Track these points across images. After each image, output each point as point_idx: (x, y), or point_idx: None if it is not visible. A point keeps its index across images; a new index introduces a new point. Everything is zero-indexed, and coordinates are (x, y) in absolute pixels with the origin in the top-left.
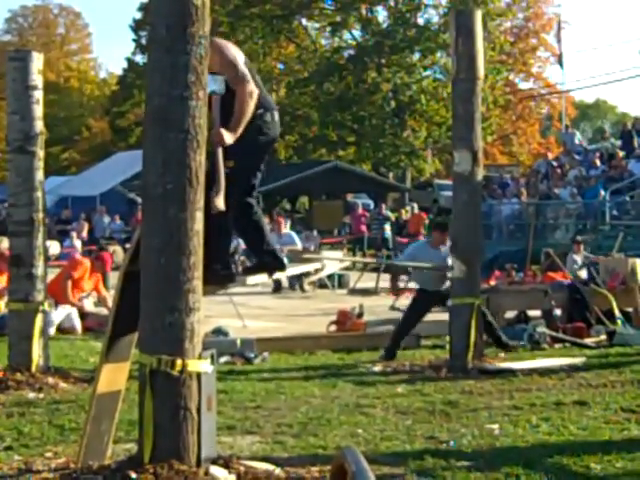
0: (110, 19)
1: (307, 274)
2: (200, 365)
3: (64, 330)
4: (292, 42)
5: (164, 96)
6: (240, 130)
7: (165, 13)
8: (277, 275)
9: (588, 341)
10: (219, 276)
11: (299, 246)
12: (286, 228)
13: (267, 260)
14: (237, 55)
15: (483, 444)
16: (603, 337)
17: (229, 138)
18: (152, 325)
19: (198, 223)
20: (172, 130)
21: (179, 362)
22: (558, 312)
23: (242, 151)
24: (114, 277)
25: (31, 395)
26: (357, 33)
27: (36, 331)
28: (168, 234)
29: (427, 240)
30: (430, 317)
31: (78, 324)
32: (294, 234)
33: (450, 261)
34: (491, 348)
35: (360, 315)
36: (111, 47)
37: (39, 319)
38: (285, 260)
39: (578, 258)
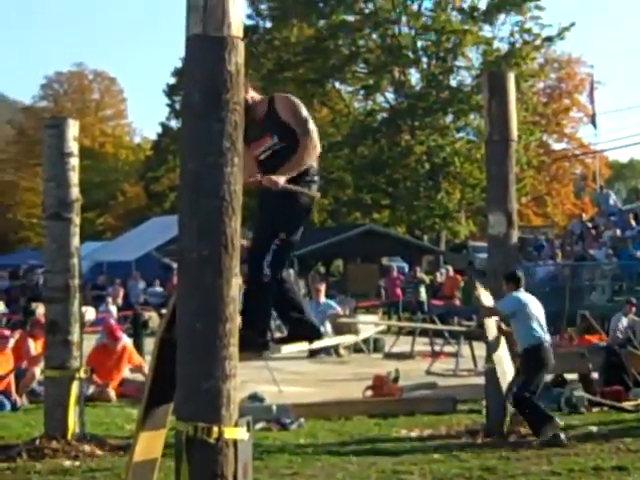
0: (144, 84)
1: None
2: (237, 432)
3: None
4: (325, 106)
5: (199, 163)
6: (291, 174)
7: (199, 80)
8: (315, 344)
9: (626, 404)
10: (254, 344)
11: (339, 311)
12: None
13: (304, 330)
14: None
15: None
16: None
17: (282, 180)
18: (188, 392)
19: (234, 289)
20: (207, 196)
21: (215, 429)
22: (595, 375)
23: (291, 223)
24: (149, 343)
25: (67, 463)
26: (390, 96)
27: (72, 398)
28: (204, 300)
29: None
30: (466, 381)
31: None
32: (333, 302)
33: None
34: None
35: (396, 380)
36: (146, 112)
37: (75, 386)
38: (322, 329)
39: (625, 319)
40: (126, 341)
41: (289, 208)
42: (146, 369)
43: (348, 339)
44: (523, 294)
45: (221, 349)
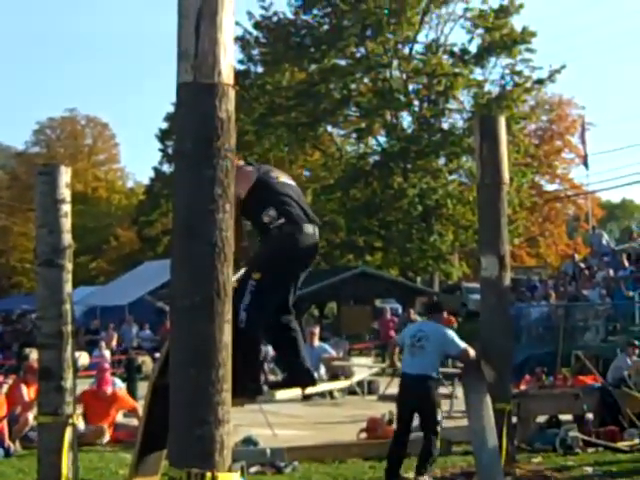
0: (137, 129)
1: (336, 381)
2: (230, 478)
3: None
4: (318, 149)
5: (191, 209)
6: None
7: (190, 127)
8: (308, 391)
9: (621, 445)
10: (247, 389)
11: (332, 354)
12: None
13: (299, 376)
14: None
15: None
16: (636, 441)
17: None
18: (181, 437)
19: (227, 335)
20: (199, 243)
21: (209, 475)
22: (590, 416)
23: (268, 263)
24: (143, 387)
25: None
26: (382, 139)
27: (65, 444)
28: (197, 346)
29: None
30: (460, 423)
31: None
32: (327, 346)
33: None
34: (524, 453)
35: (390, 422)
36: (138, 157)
37: (68, 432)
38: (315, 374)
39: (629, 360)
40: (119, 386)
41: (265, 249)
42: (140, 413)
43: (341, 384)
44: None
45: (214, 395)
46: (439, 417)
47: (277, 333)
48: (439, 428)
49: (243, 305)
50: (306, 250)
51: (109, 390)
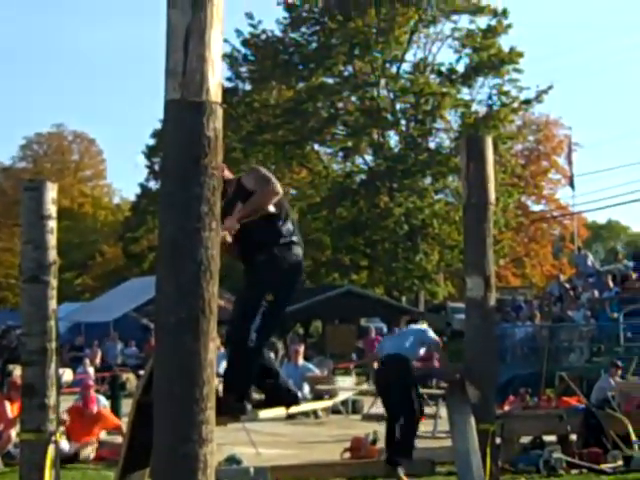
0: (124, 145)
1: (320, 400)
2: None
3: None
4: (304, 167)
5: (177, 227)
6: (244, 213)
7: (177, 144)
8: (292, 410)
9: (604, 467)
10: (231, 408)
11: (317, 373)
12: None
13: (280, 397)
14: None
15: None
16: (620, 462)
17: (232, 221)
18: (165, 456)
19: (211, 353)
20: (185, 261)
21: None
22: (574, 437)
23: (280, 285)
24: (127, 405)
25: None
26: (369, 158)
27: (48, 462)
28: (181, 364)
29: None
30: (444, 443)
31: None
32: (311, 365)
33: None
34: (507, 475)
35: (374, 442)
36: (125, 173)
37: (51, 449)
38: (299, 394)
39: (612, 381)
40: (103, 404)
41: (275, 269)
42: (124, 431)
43: (325, 404)
44: None
45: (198, 413)
46: (415, 401)
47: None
48: (415, 410)
49: (254, 326)
50: (300, 267)
51: (95, 409)
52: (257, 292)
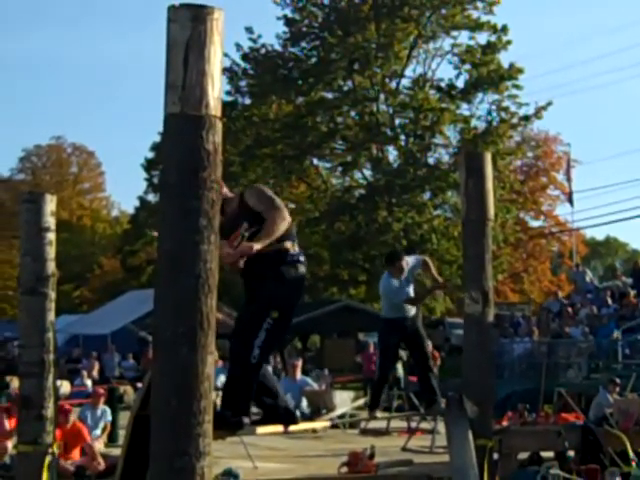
0: (123, 158)
1: (318, 414)
2: None
3: None
4: (303, 182)
5: (176, 240)
6: (264, 243)
7: (177, 158)
8: (290, 429)
9: None
10: (228, 423)
11: (315, 387)
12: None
13: (278, 416)
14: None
15: None
16: (618, 479)
17: (256, 246)
18: (162, 469)
19: (209, 367)
20: (184, 274)
21: None
22: (571, 454)
23: (285, 303)
24: (124, 417)
25: None
26: (368, 172)
27: (45, 474)
28: (179, 377)
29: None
30: (442, 458)
31: None
32: (309, 379)
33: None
34: None
35: (371, 456)
36: (124, 186)
37: (48, 461)
38: (297, 412)
39: (610, 398)
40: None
41: (282, 287)
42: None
43: (322, 425)
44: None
45: (195, 426)
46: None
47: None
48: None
49: (258, 342)
50: (302, 284)
51: (70, 422)
52: (262, 308)
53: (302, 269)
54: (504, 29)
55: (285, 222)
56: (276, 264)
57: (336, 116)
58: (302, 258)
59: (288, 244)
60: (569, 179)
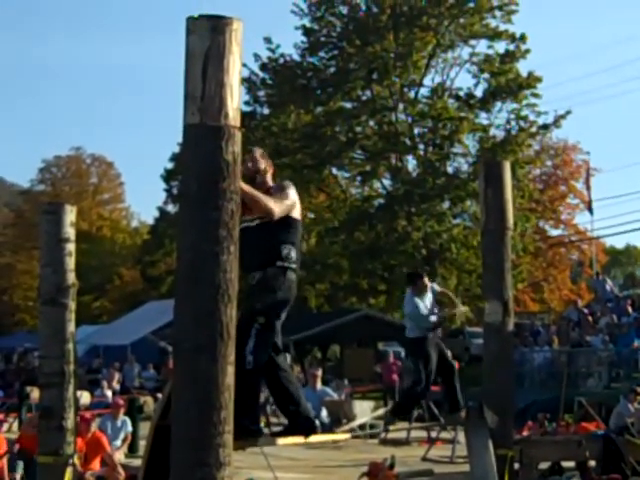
0: (142, 169)
1: (338, 424)
2: None
3: None
4: (322, 191)
5: (195, 251)
6: (250, 194)
7: (196, 168)
8: (310, 439)
9: None
10: (248, 432)
11: (335, 397)
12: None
13: (300, 424)
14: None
15: None
16: None
17: (245, 186)
18: (183, 479)
19: (229, 377)
20: (203, 285)
21: None
22: (592, 463)
23: (273, 308)
24: (144, 428)
25: None
26: (387, 182)
27: None
28: (199, 388)
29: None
30: (462, 468)
31: None
32: (329, 389)
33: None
34: None
35: (392, 466)
36: (143, 196)
37: (68, 472)
38: (317, 422)
39: (631, 407)
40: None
41: (266, 292)
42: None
43: (342, 437)
44: None
45: (215, 437)
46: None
47: (270, 373)
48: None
49: (249, 349)
50: (291, 288)
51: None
52: (248, 317)
53: (290, 275)
54: (522, 38)
55: (275, 210)
56: (264, 265)
57: (355, 126)
58: (294, 266)
59: (285, 249)
60: (588, 187)
